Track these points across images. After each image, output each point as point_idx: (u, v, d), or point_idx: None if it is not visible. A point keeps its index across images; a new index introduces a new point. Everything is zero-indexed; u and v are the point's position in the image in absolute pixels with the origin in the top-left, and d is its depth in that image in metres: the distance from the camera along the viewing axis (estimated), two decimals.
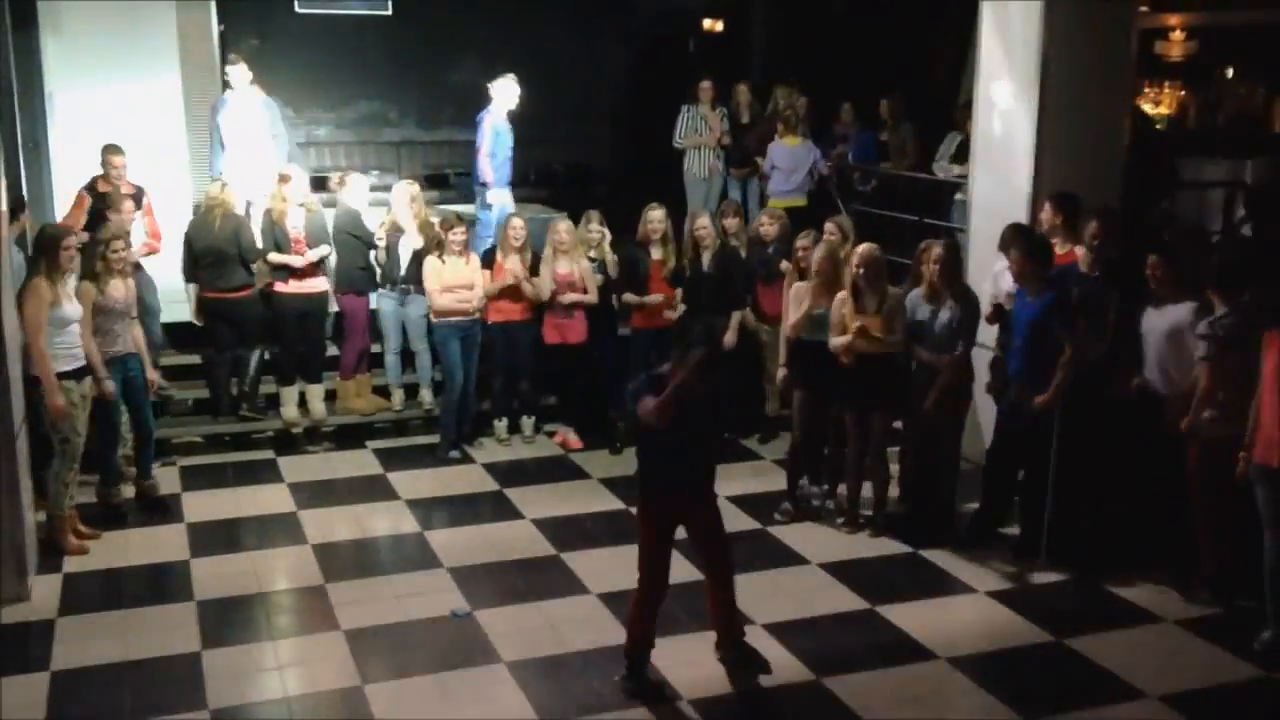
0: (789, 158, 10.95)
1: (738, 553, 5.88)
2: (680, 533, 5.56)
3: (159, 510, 7.66)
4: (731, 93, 12.33)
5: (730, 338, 8.48)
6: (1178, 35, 16.06)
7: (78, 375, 6.89)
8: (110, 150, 8.78)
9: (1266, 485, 5.73)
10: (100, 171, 8.78)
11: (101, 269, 7.14)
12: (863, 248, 7.20)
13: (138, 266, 8.29)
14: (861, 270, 7.08)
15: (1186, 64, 16.18)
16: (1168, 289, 6.47)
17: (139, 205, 8.63)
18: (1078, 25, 7.87)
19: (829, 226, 8.16)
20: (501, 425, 9.09)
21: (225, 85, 10.08)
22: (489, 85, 10.14)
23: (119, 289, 7.28)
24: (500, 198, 10.20)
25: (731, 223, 9.03)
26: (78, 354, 6.89)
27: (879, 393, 7.18)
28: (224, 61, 10.12)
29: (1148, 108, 14.29)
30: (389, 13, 12.74)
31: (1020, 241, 6.88)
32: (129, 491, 7.74)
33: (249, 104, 9.98)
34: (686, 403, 5.20)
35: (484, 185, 10.21)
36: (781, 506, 7.61)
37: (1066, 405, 6.62)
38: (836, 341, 7.13)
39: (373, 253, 8.97)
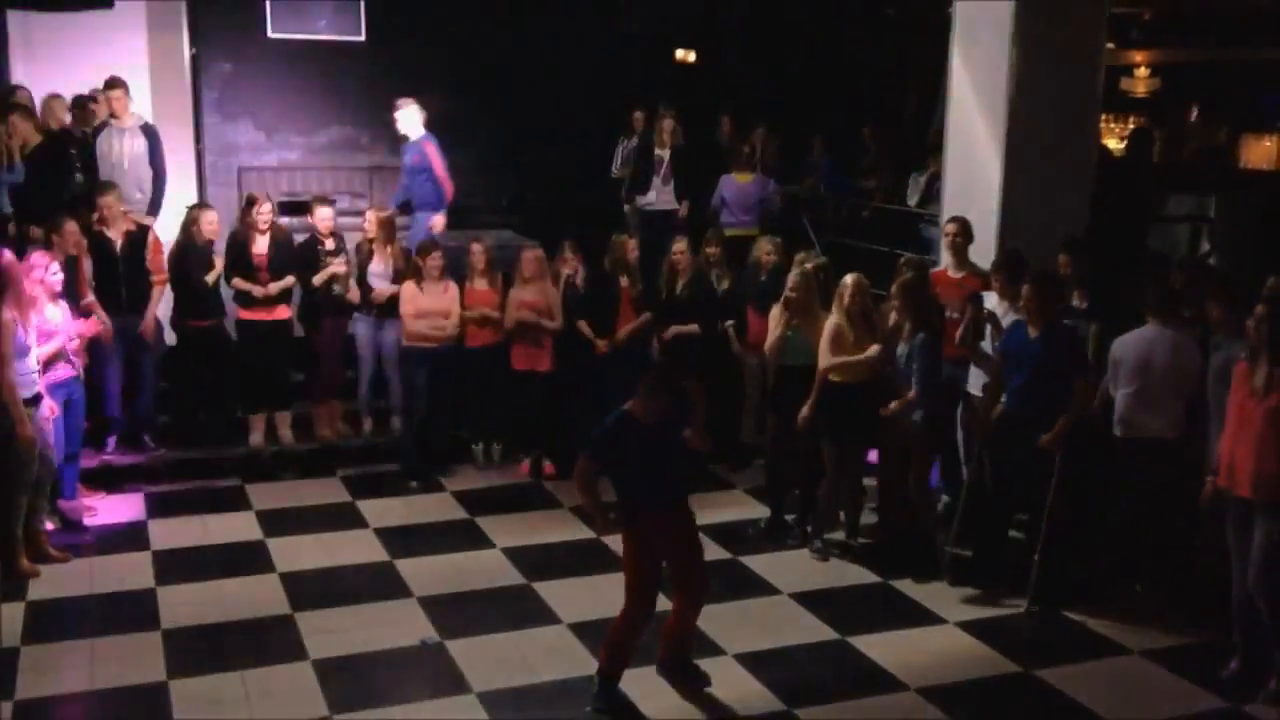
0: (738, 192, 10.93)
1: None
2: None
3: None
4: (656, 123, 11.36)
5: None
6: (1142, 72, 16.37)
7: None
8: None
9: (1236, 515, 5.75)
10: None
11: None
12: (851, 278, 7.18)
13: None
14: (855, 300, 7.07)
15: (1151, 100, 16.48)
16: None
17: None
18: (1045, 62, 7.98)
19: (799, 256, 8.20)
20: (478, 450, 9.07)
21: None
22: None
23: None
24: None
25: (714, 251, 9.06)
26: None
27: (860, 424, 7.20)
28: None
29: (1111, 143, 14.49)
30: (362, 39, 12.79)
31: (1036, 276, 6.68)
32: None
33: (127, 133, 9.40)
34: (662, 423, 5.39)
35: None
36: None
37: (1070, 444, 6.53)
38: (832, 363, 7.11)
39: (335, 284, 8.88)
